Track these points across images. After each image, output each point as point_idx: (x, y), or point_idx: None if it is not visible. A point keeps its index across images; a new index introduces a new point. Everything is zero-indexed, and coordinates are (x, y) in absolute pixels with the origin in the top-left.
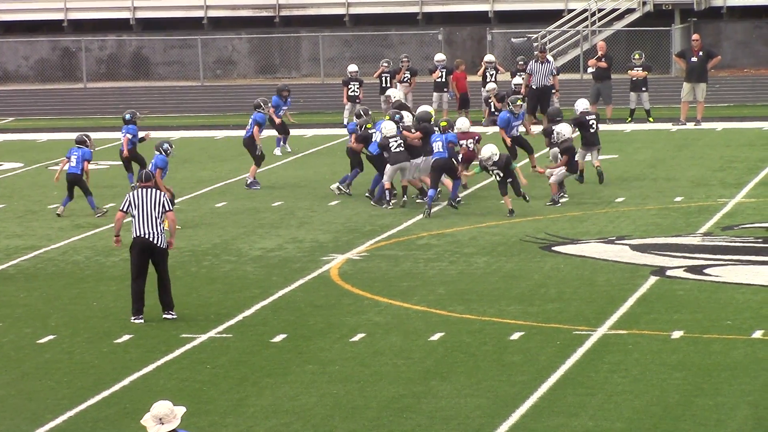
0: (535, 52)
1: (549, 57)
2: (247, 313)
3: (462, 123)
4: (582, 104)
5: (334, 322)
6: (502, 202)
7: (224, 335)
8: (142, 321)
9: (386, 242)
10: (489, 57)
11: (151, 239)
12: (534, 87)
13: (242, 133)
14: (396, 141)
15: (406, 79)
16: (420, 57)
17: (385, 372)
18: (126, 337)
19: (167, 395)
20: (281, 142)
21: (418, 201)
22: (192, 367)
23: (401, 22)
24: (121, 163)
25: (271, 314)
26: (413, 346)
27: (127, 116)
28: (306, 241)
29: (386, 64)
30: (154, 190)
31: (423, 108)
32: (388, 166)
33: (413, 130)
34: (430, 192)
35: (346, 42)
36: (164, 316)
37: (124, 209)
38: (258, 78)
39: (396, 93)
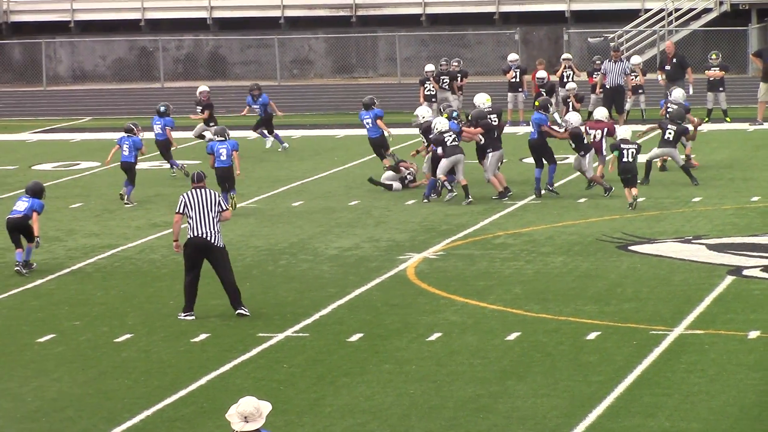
0: (611, 52)
1: (624, 57)
2: (324, 312)
3: (599, 113)
4: (676, 93)
5: (411, 321)
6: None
7: (301, 334)
8: (193, 317)
9: (462, 241)
10: (566, 56)
11: (208, 238)
12: (608, 86)
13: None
14: (450, 135)
15: (445, 83)
16: (496, 56)
17: (461, 372)
18: (203, 336)
19: (244, 395)
20: (265, 137)
21: (493, 198)
22: (269, 366)
23: (478, 21)
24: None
25: (347, 313)
26: (489, 345)
27: (162, 108)
28: (382, 240)
29: (456, 64)
30: (208, 189)
31: (478, 97)
32: (443, 160)
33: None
34: (550, 167)
35: (422, 41)
36: (238, 312)
37: (181, 211)
38: (335, 78)
39: (424, 112)
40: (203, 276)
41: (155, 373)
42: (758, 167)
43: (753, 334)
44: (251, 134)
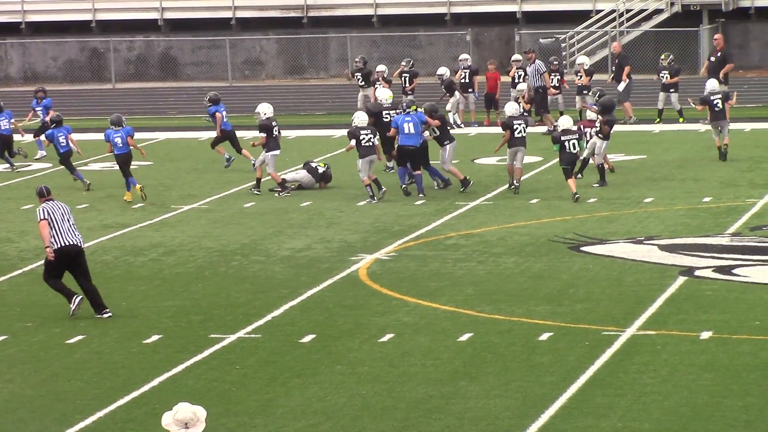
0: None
1: (537, 59)
2: (276, 313)
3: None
4: (711, 84)
5: (363, 322)
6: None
7: (253, 335)
8: (81, 297)
9: (414, 242)
10: (517, 56)
11: (80, 245)
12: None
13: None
14: (367, 134)
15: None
16: (448, 57)
17: (413, 372)
18: (155, 338)
19: (196, 396)
20: (40, 148)
21: (461, 191)
22: (221, 368)
23: (429, 22)
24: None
25: (299, 314)
26: (442, 346)
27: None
28: (334, 241)
29: (404, 64)
30: (57, 201)
31: (380, 92)
32: (360, 160)
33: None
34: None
35: (374, 42)
36: (104, 314)
37: (45, 217)
38: (286, 78)
39: (265, 108)
40: (153, 278)
41: (107, 375)
42: (710, 168)
43: (705, 335)
44: (202, 135)
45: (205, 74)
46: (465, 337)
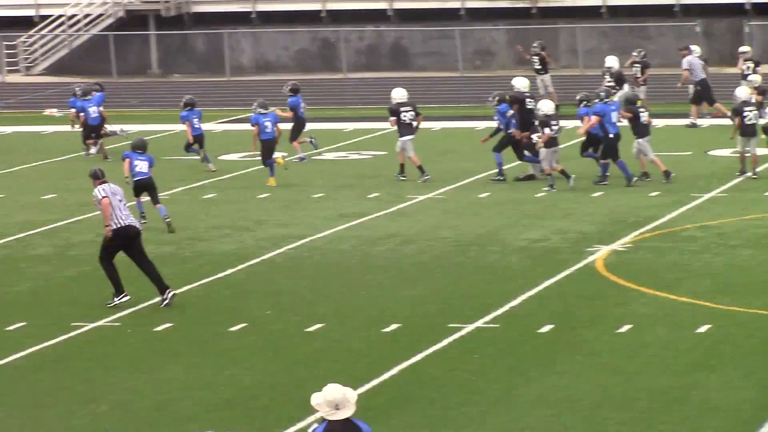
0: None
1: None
2: (513, 303)
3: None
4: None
5: (601, 313)
6: None
7: (491, 325)
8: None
9: (651, 234)
10: (743, 48)
11: (137, 226)
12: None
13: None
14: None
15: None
16: (678, 49)
17: (652, 363)
18: (394, 326)
19: (436, 384)
20: None
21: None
22: (460, 357)
23: (658, 13)
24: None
25: (537, 305)
26: (680, 337)
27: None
28: (570, 232)
29: (636, 54)
30: (113, 184)
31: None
32: (545, 150)
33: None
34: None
35: (603, 33)
36: (168, 297)
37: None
38: (517, 69)
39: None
40: (391, 267)
41: (347, 363)
42: None
43: None
44: (434, 125)
45: (435, 65)
46: (703, 329)
